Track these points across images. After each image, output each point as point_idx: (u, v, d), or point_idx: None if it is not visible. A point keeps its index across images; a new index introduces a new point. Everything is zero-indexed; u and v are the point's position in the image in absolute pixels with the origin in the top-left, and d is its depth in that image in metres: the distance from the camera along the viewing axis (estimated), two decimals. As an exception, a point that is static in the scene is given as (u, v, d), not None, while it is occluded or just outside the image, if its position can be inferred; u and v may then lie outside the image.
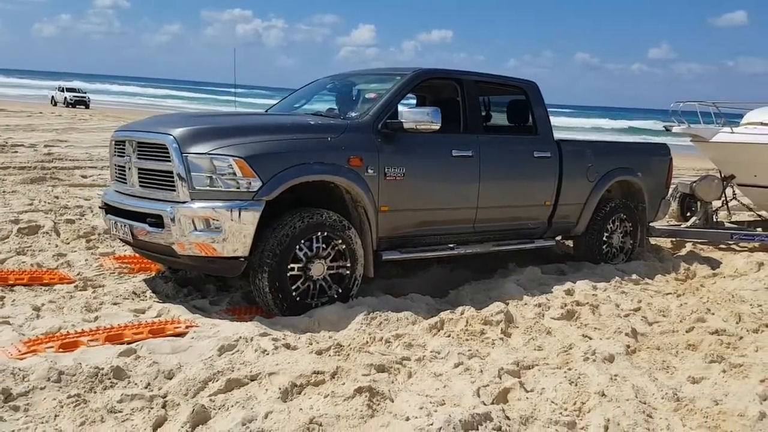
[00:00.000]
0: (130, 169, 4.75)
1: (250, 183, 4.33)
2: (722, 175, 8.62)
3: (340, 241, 4.67)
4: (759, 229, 8.68)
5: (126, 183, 4.82)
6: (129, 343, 3.70)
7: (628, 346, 4.15)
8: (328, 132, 4.83)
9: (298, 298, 4.52)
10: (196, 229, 4.29)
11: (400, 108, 5.03)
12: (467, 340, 4.13)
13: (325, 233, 4.60)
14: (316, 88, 6.42)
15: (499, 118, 6.34)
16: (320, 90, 6.37)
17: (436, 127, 4.96)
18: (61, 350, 3.56)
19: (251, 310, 4.66)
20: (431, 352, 3.80)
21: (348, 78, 6.25)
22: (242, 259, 4.40)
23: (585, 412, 3.16)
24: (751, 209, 9.39)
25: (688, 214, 9.34)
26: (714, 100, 8.64)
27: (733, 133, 8.10)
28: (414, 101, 6.68)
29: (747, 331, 4.69)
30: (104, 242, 6.32)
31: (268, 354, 3.62)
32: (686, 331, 4.65)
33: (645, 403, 3.27)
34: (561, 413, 3.10)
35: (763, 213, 9.28)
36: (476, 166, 5.50)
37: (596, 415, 3.09)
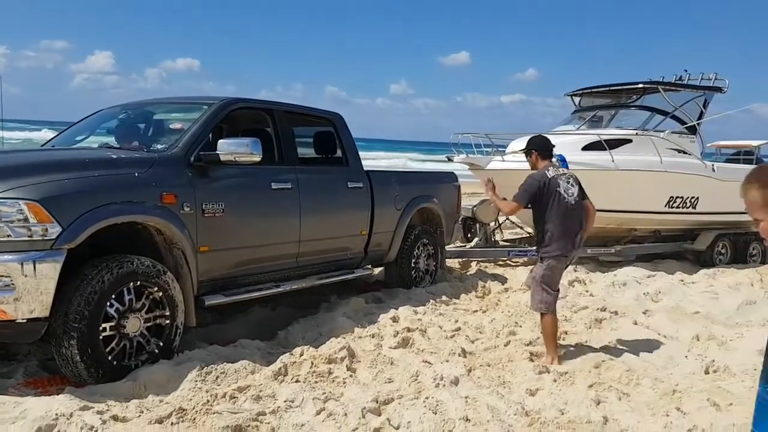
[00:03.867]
0: None
1: (46, 229, 3.63)
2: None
3: (155, 289, 4.14)
4: (522, 245, 9.79)
5: None
6: None
7: (465, 366, 4.29)
8: (135, 167, 4.28)
9: (114, 362, 3.88)
10: (-21, 289, 3.47)
11: (220, 140, 4.66)
12: (317, 382, 3.91)
13: (138, 282, 4.04)
14: (101, 119, 5.72)
15: (309, 150, 6.25)
16: (107, 120, 5.68)
17: (257, 158, 4.68)
18: None
19: (56, 380, 3.89)
20: (285, 401, 3.52)
21: (144, 107, 5.67)
22: (42, 321, 3.66)
23: (456, 441, 3.16)
24: (520, 227, 10.52)
25: (469, 235, 10.14)
26: (486, 132, 9.55)
27: (503, 161, 9.00)
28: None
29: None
30: None
31: (97, 431, 3.03)
32: (504, 345, 4.98)
33: (503, 422, 3.38)
34: (438, 447, 3.05)
35: (529, 229, 10.45)
36: (296, 199, 5.32)
37: (468, 441, 3.10)
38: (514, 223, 10.61)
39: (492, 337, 5.21)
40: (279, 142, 5.43)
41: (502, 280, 7.73)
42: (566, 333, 5.42)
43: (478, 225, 9.68)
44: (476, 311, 6.16)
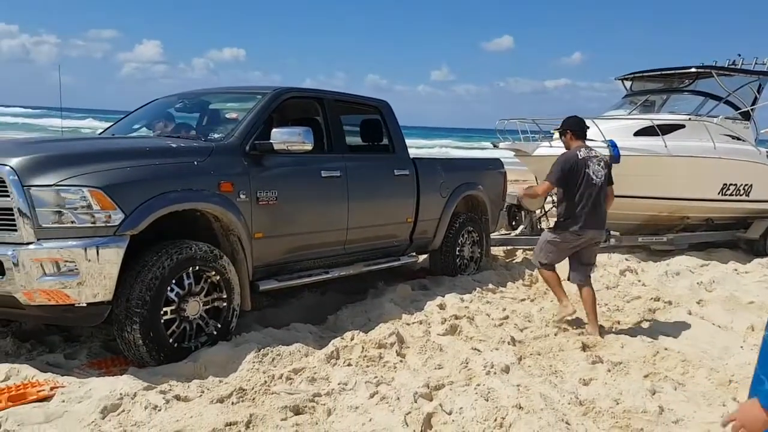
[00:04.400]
0: (-49, 207, 3.89)
1: (109, 216, 3.77)
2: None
3: (213, 273, 4.26)
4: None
5: (-56, 224, 3.95)
6: (-14, 416, 3.00)
7: (515, 355, 4.29)
8: (194, 155, 4.40)
9: (175, 345, 4.03)
10: (45, 274, 3.62)
11: (274, 129, 4.74)
12: (368, 366, 3.98)
13: (197, 267, 4.17)
14: (158, 108, 5.87)
15: (357, 138, 6.30)
16: (164, 110, 5.83)
17: (309, 147, 4.76)
18: None
19: (119, 360, 4.06)
20: (338, 384, 3.59)
21: (200, 97, 5.80)
22: (105, 304, 3.82)
23: (508, 427, 3.18)
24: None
25: (513, 223, 10.06)
26: (533, 117, 9.42)
27: (551, 147, 8.88)
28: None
29: (604, 329, 5.11)
30: None
31: (160, 410, 3.15)
32: (555, 335, 4.95)
33: (556, 410, 3.38)
34: (491, 432, 3.08)
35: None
36: (344, 187, 5.39)
37: (521, 428, 3.13)
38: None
39: (541, 326, 5.19)
40: (328, 131, 5.50)
41: (549, 268, 7.65)
42: (619, 323, 5.36)
43: (523, 212, 9.59)
44: (524, 300, 6.13)
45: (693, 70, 9.89)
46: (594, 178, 4.96)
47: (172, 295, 4.03)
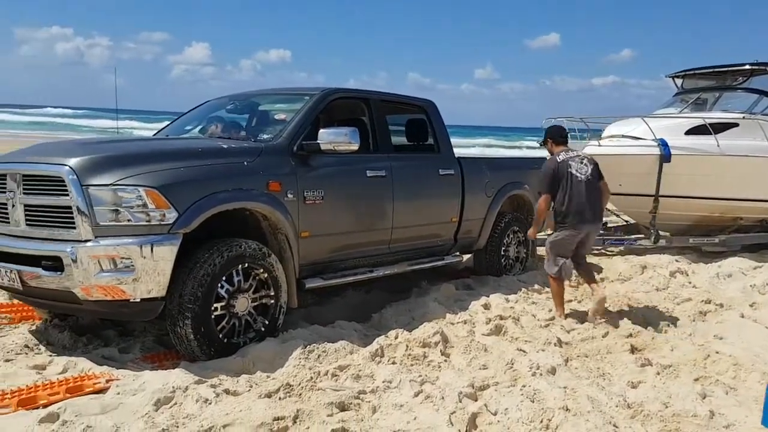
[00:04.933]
0: (13, 206, 4.09)
1: (164, 215, 3.90)
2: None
3: (261, 270, 4.36)
4: (618, 234, 9.49)
5: (7, 222, 4.16)
6: (46, 406, 3.17)
7: (561, 356, 4.25)
8: (244, 156, 4.51)
9: (224, 340, 4.14)
10: (103, 270, 3.77)
11: (321, 129, 4.82)
12: (412, 365, 4.01)
13: (246, 264, 4.27)
14: (209, 109, 6.03)
15: (403, 137, 6.33)
16: (215, 111, 5.98)
17: (355, 147, 4.82)
18: None
19: (171, 355, 4.20)
20: (383, 382, 3.63)
21: (249, 98, 5.93)
22: (159, 300, 3.95)
23: (555, 429, 3.16)
24: (616, 215, 10.21)
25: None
26: (581, 116, 9.28)
27: (599, 146, 8.73)
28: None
29: (655, 332, 5.01)
30: (-36, 292, 5.43)
31: (211, 403, 3.25)
32: (603, 337, 4.88)
33: (604, 413, 3.34)
34: (537, 434, 3.07)
35: (627, 218, 10.11)
36: (389, 187, 5.43)
37: (568, 430, 3.10)
38: (609, 210, 10.28)
39: (588, 327, 5.11)
40: (374, 131, 5.55)
41: (597, 269, 7.53)
42: (669, 325, 5.25)
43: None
44: (570, 301, 6.05)
45: (747, 67, 9.58)
46: (578, 175, 5.30)
47: (222, 292, 4.14)
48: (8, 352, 4.03)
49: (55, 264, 3.82)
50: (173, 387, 3.39)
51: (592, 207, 5.31)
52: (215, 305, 4.09)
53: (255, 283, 4.35)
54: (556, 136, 5.68)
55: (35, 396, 3.31)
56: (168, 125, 6.09)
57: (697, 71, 10.27)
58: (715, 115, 9.11)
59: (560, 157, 5.42)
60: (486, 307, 5.39)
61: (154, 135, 6.05)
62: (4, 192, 4.13)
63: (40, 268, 3.87)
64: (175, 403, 3.26)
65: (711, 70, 10.09)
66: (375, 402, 3.38)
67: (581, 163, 5.38)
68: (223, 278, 4.13)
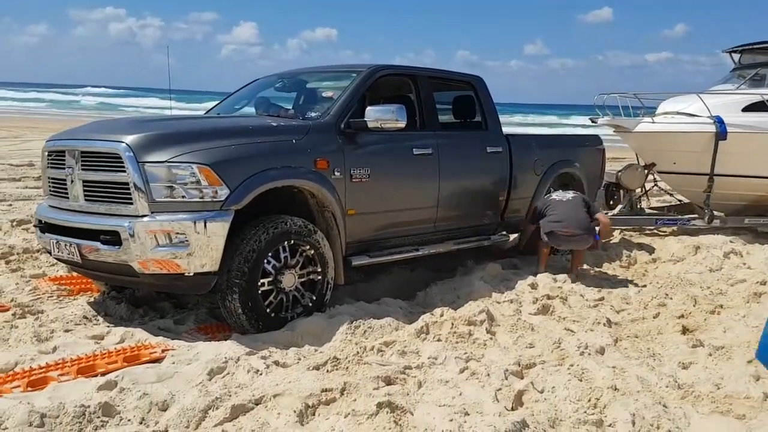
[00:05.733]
0: (72, 182, 4.25)
1: (216, 191, 3.99)
2: (644, 164, 9.05)
3: (307, 247, 4.43)
4: (671, 213, 9.23)
5: (67, 197, 4.33)
6: (104, 374, 3.32)
7: (611, 336, 4.21)
8: (292, 134, 4.56)
9: (272, 314, 4.24)
10: (159, 244, 3.90)
11: (368, 107, 4.83)
12: (458, 342, 4.03)
13: (292, 241, 4.33)
14: (259, 87, 6.10)
15: (450, 114, 6.29)
16: (264, 89, 6.05)
17: (402, 125, 4.81)
18: (30, 389, 3.14)
19: (223, 327, 4.32)
20: (428, 358, 3.67)
21: (298, 76, 5.98)
22: (212, 274, 4.06)
23: (603, 408, 3.14)
24: (670, 194, 9.94)
25: (612, 202, 9.72)
26: (635, 92, 9.01)
27: (653, 122, 8.49)
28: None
29: (707, 313, 4.90)
30: (27, 262, 5.69)
31: (261, 374, 3.35)
32: (653, 318, 4.80)
33: (654, 393, 3.31)
34: (585, 412, 3.05)
35: (681, 197, 9.83)
36: (435, 164, 5.41)
37: (617, 410, 3.08)
38: (663, 190, 10.02)
39: (640, 308, 5.04)
40: (421, 108, 5.52)
41: (650, 249, 7.36)
42: (721, 307, 5.12)
43: (622, 191, 9.23)
44: (621, 281, 5.97)
45: None
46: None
47: (269, 267, 4.22)
48: (68, 323, 4.22)
49: (113, 238, 3.97)
50: (225, 357, 3.50)
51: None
52: (262, 281, 4.18)
53: (302, 260, 4.42)
54: None
55: (94, 364, 3.46)
56: (218, 104, 6.19)
57: (755, 46, 9.82)
58: (775, 92, 8.72)
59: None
60: (533, 286, 5.35)
61: (206, 114, 6.16)
62: (63, 168, 4.30)
63: (99, 242, 4.03)
64: (228, 373, 3.37)
65: (770, 44, 9.64)
66: (420, 377, 3.42)
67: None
68: (270, 254, 4.20)
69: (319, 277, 4.51)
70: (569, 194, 6.16)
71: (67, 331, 4.10)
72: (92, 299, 4.80)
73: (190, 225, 3.91)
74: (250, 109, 5.78)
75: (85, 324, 4.26)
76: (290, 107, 5.61)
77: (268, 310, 4.22)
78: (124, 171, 3.96)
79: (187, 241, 3.91)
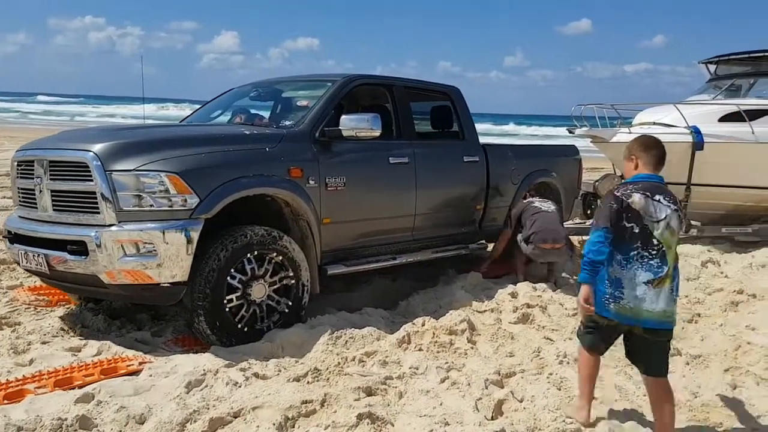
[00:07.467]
0: (41, 191, 4.14)
1: (185, 200, 3.90)
2: (621, 174, 9.11)
3: (275, 254, 4.28)
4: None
5: (35, 208, 4.21)
6: (81, 386, 3.25)
7: (589, 345, 4.16)
8: (266, 142, 4.49)
9: (245, 329, 4.13)
10: (126, 254, 3.80)
11: (343, 116, 4.78)
12: (439, 352, 3.97)
13: (256, 252, 4.18)
14: (234, 97, 6.02)
15: (426, 124, 6.26)
16: (239, 98, 5.98)
17: (377, 133, 4.76)
18: (6, 402, 3.09)
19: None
20: (410, 368, 3.61)
21: (273, 85, 5.91)
22: (182, 284, 3.95)
23: (582, 417, 3.09)
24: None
25: (589, 212, 9.76)
26: (612, 103, 9.09)
27: (630, 133, 8.54)
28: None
29: (684, 322, 4.88)
30: (4, 273, 5.60)
31: (240, 386, 3.27)
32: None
33: (631, 401, 3.27)
34: (563, 421, 3.00)
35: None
36: (412, 173, 5.37)
37: (594, 417, 3.03)
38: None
39: (616, 316, 5.00)
40: (397, 117, 5.49)
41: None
42: (699, 315, 5.12)
43: (599, 201, 9.29)
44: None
45: None
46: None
47: (235, 283, 4.08)
48: (45, 335, 4.13)
49: (80, 248, 3.87)
50: (204, 370, 3.43)
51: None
52: (230, 296, 4.06)
53: (271, 268, 4.30)
54: None
55: (71, 377, 3.39)
56: (193, 113, 6.10)
57: (731, 57, 9.99)
58: (750, 102, 8.85)
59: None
60: (513, 295, 5.30)
61: (180, 122, 6.07)
62: (32, 178, 4.18)
63: (66, 253, 3.92)
64: (206, 386, 3.29)
65: (745, 55, 9.80)
66: (401, 388, 3.36)
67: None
68: (233, 270, 4.06)
69: (293, 281, 4.40)
70: (551, 205, 6.09)
71: (44, 343, 4.01)
72: (70, 311, 4.68)
73: (158, 234, 3.81)
74: (225, 119, 5.71)
75: (62, 336, 4.17)
76: (265, 117, 5.54)
77: (240, 326, 4.11)
78: (92, 180, 3.86)
79: (155, 251, 3.81)
